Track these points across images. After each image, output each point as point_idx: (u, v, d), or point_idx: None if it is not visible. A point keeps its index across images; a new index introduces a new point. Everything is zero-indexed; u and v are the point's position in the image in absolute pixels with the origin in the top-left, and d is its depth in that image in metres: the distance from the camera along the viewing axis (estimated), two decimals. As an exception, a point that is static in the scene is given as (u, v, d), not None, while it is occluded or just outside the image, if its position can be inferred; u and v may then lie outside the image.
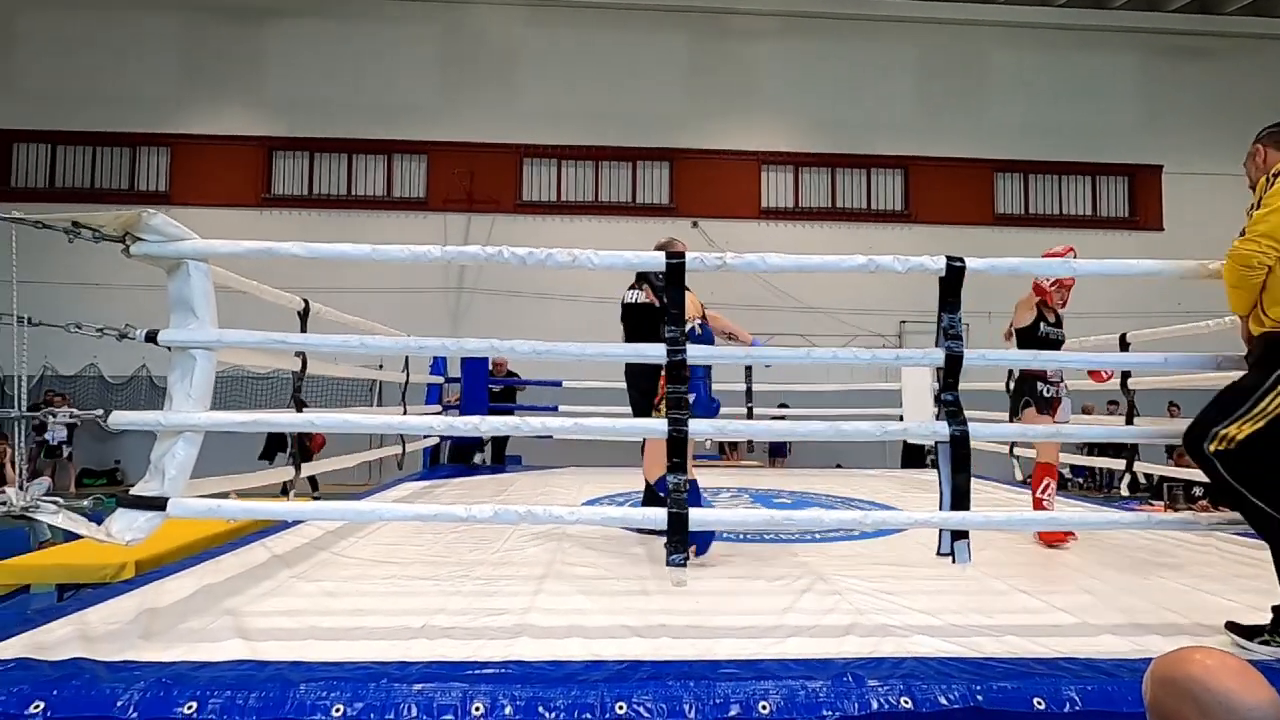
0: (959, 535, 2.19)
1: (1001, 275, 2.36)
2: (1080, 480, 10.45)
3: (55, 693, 1.62)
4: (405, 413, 5.46)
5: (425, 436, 6.37)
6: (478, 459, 7.32)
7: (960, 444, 2.15)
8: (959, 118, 12.16)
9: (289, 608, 2.33)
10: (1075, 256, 3.00)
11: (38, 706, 1.59)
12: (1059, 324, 3.66)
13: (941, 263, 2.25)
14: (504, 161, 11.84)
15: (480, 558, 3.07)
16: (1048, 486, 3.58)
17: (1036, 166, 12.30)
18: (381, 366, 6.54)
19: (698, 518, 2.10)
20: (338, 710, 1.63)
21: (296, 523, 3.55)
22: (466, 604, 2.37)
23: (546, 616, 2.26)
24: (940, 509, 2.21)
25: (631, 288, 3.82)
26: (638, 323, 3.67)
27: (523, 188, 11.98)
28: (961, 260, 2.26)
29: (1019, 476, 6.91)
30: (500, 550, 3.21)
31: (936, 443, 2.26)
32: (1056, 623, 2.25)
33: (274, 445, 9.61)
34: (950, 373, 2.28)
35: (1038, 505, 3.53)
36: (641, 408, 3.66)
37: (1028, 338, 3.58)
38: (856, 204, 12.26)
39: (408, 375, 6.00)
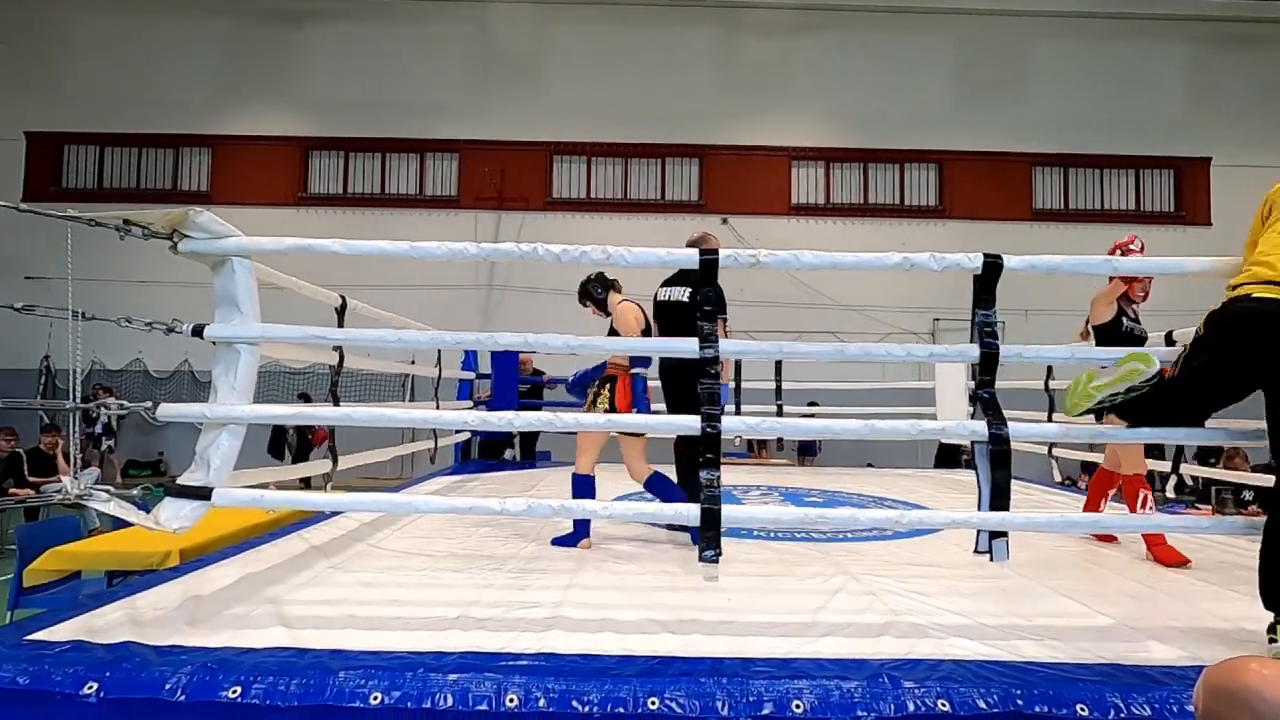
0: (997, 534, 2.15)
1: (1041, 274, 2.31)
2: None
3: (108, 674, 1.67)
4: (438, 408, 5.53)
5: (457, 431, 6.45)
6: (508, 454, 7.40)
7: (999, 443, 2.11)
8: (996, 110, 11.89)
9: (327, 597, 2.38)
10: (1142, 247, 2.86)
11: (91, 687, 1.65)
12: (1138, 319, 3.34)
13: (979, 261, 2.21)
14: (534, 159, 11.92)
15: (512, 551, 3.10)
16: (1145, 501, 3.16)
17: (1077, 160, 11.97)
18: (414, 362, 6.64)
19: (731, 514, 2.09)
20: (375, 698, 1.66)
21: (333, 515, 3.62)
22: (499, 596, 2.40)
23: (578, 610, 2.28)
24: (979, 509, 2.17)
25: (667, 284, 3.82)
26: (679, 321, 3.60)
27: (552, 185, 12.04)
28: (999, 257, 2.22)
29: (1057, 477, 6.76)
30: (531, 544, 3.24)
31: (973, 442, 2.22)
32: (1099, 627, 2.19)
33: (280, 439, 9.84)
34: (986, 370, 2.24)
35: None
36: (678, 405, 3.65)
37: (1109, 335, 3.18)
38: (889, 200, 12.07)
39: (440, 370, 6.08)
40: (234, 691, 1.65)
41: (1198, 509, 5.36)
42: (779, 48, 12.03)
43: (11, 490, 6.21)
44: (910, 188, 12.08)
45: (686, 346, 2.26)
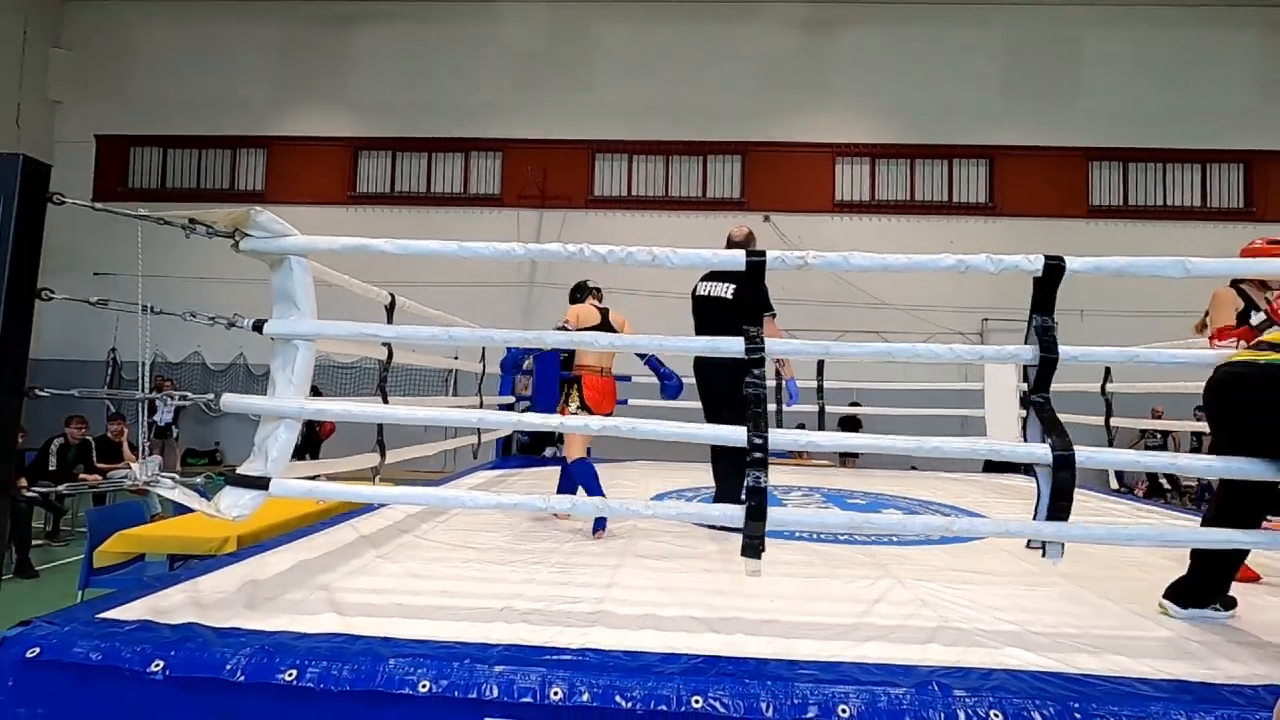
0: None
1: (1107, 276, 2.21)
2: (1170, 489, 9.73)
3: (173, 653, 1.75)
4: (482, 403, 5.62)
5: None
6: (549, 452, 7.48)
7: (1065, 467, 2.02)
8: (1049, 103, 11.49)
9: (377, 586, 2.44)
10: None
11: (158, 665, 1.73)
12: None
13: (1039, 263, 2.13)
14: (576, 157, 12.00)
15: (553, 546, 3.13)
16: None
17: (1136, 154, 11.50)
18: (456, 358, 6.76)
19: (775, 516, 2.08)
20: (424, 686, 1.70)
21: (380, 506, 3.72)
22: (542, 591, 2.43)
23: (621, 606, 2.29)
24: (1035, 515, 2.11)
25: (708, 279, 3.79)
26: (720, 318, 3.59)
27: (594, 183, 12.10)
28: (1061, 259, 2.13)
29: (1114, 485, 6.52)
30: (573, 540, 3.26)
31: (1035, 466, 2.14)
32: (1161, 639, 2.11)
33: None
34: (1042, 379, 2.16)
35: None
36: (716, 404, 3.64)
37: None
38: (937, 196, 11.79)
39: (484, 366, 6.18)
40: (290, 674, 1.71)
41: (1269, 521, 5.10)
42: (822, 42, 11.86)
43: (82, 476, 6.54)
44: (959, 184, 11.77)
45: (732, 346, 2.24)
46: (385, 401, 3.55)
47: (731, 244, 3.73)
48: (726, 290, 3.69)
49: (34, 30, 12.14)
